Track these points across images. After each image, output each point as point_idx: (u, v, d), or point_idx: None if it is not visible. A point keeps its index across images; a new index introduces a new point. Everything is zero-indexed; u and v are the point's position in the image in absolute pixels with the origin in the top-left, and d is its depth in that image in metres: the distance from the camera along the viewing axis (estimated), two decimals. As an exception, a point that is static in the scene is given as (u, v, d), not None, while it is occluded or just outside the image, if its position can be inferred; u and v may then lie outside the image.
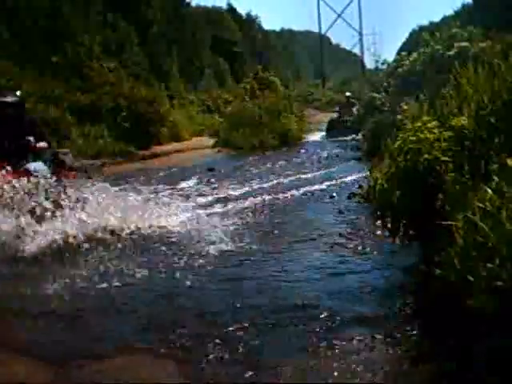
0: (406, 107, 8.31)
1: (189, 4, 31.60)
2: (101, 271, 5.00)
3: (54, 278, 4.82)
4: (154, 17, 25.95)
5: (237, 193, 9.42)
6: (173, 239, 6.09)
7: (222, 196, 9.18)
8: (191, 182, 11.13)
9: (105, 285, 4.66)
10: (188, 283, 4.69)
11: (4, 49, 16.87)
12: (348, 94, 23.13)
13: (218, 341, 3.52)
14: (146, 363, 3.38)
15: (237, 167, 13.44)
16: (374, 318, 3.80)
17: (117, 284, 4.67)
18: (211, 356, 3.35)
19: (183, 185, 10.83)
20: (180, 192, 9.70)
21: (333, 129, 21.22)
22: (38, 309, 4.22)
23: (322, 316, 3.86)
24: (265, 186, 10.12)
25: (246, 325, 3.77)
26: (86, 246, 5.76)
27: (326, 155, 14.88)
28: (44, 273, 5.05)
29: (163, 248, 5.79)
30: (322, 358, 3.29)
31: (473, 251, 3.17)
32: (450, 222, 3.35)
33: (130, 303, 4.31)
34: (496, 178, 3.38)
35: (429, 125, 4.21)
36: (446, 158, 3.89)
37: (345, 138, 18.55)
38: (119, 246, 5.79)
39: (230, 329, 3.72)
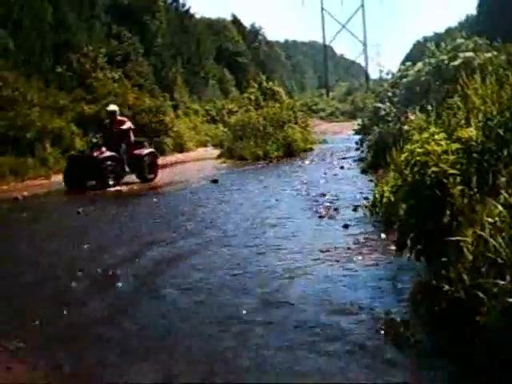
0: (412, 117, 8.23)
1: (193, 15, 31.76)
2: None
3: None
4: (159, 28, 26.09)
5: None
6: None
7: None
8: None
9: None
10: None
11: (9, 59, 16.94)
12: (112, 107, 13.03)
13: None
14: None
15: (240, 179, 13.37)
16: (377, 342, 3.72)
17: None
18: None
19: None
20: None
21: (72, 176, 11.81)
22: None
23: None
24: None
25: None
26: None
27: (328, 166, 14.73)
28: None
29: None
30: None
31: (483, 267, 3.09)
32: (458, 238, 3.28)
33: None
34: (504, 193, 3.32)
35: (436, 136, 4.13)
36: (454, 171, 3.81)
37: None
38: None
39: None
